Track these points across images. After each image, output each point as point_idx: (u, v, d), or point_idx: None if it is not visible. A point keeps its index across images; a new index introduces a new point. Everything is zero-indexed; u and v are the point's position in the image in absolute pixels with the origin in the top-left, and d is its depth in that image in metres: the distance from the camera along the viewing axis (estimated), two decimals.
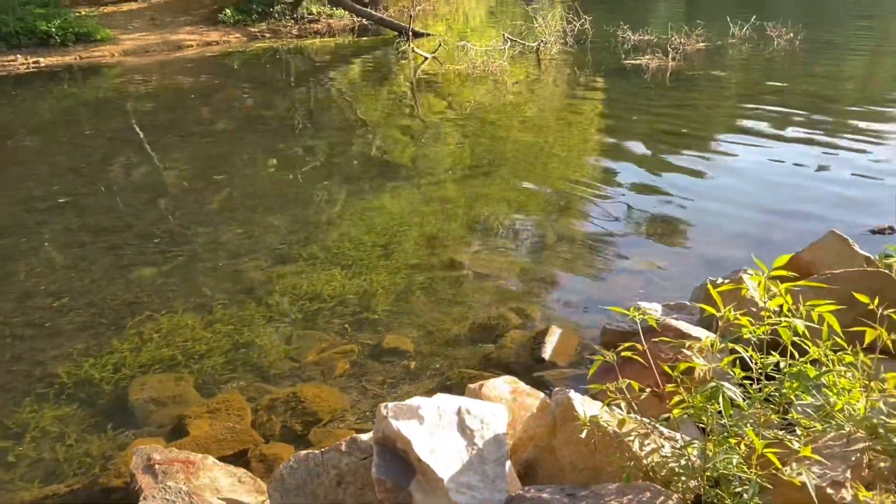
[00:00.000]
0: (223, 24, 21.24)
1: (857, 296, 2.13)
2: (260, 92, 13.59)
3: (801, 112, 8.86)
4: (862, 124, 8.07)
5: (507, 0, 39.10)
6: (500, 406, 2.20)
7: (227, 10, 21.44)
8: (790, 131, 8.03)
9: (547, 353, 3.66)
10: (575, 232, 5.50)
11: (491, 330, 4.05)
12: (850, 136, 7.66)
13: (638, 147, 7.89)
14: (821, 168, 6.62)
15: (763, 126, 8.36)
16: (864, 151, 7.03)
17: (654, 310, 3.27)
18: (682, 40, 13.80)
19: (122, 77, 15.12)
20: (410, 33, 15.64)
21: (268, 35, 21.51)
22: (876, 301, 2.03)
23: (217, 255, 5.46)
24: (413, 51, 14.74)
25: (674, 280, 4.50)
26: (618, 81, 11.89)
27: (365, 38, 21.07)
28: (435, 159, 7.91)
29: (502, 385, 2.52)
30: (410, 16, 15.72)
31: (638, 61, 12.75)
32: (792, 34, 14.05)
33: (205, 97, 12.72)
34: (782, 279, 2.45)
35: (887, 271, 2.69)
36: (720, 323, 2.02)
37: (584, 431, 2.02)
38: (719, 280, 3.30)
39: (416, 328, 4.14)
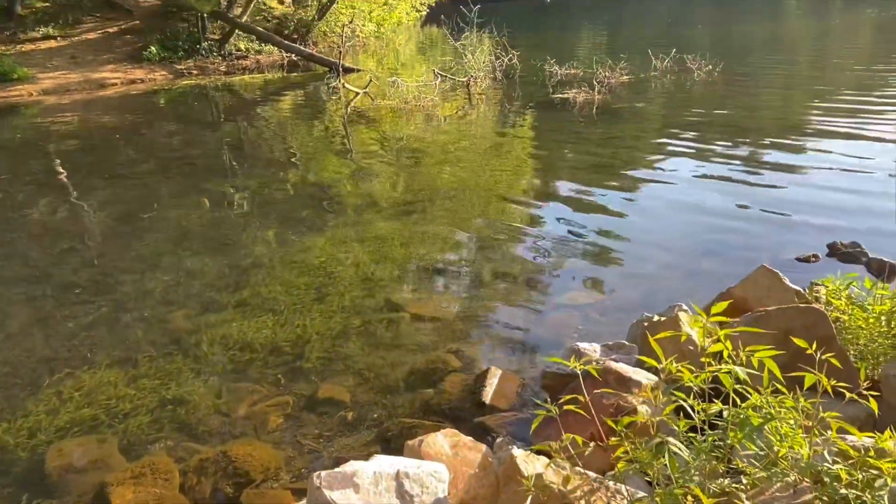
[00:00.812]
0: (148, 62, 20.80)
1: (796, 340, 2.14)
2: (187, 130, 13.30)
3: (723, 143, 9.14)
4: (781, 154, 8.36)
5: (435, 35, 39.67)
6: (441, 466, 2.10)
7: (152, 48, 21.02)
8: (713, 162, 8.26)
9: (487, 396, 3.58)
10: (511, 268, 5.48)
11: (430, 374, 3.96)
12: (770, 165, 7.92)
13: (569, 181, 7.98)
14: (744, 198, 6.78)
15: (687, 158, 8.58)
16: (784, 181, 7.26)
17: (593, 350, 3.24)
18: (607, 74, 14.17)
19: (42, 117, 14.58)
20: (340, 69, 15.59)
21: (195, 72, 21.16)
22: (814, 345, 2.03)
23: (143, 304, 5.22)
24: (343, 86, 14.68)
25: (610, 314, 4.51)
26: (547, 115, 12.09)
27: (295, 74, 20.96)
28: (368, 196, 7.82)
29: (442, 440, 2.42)
30: (340, 52, 15.69)
31: (566, 95, 12.99)
32: (710, 66, 14.59)
33: (130, 137, 12.35)
34: (720, 322, 2.46)
35: (818, 306, 2.73)
36: (661, 375, 1.98)
37: (529, 498, 1.95)
38: (654, 317, 3.30)
39: (353, 375, 4.01)
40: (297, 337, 4.48)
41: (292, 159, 10.25)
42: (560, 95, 13.10)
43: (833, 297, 2.90)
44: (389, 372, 4.02)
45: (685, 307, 3.39)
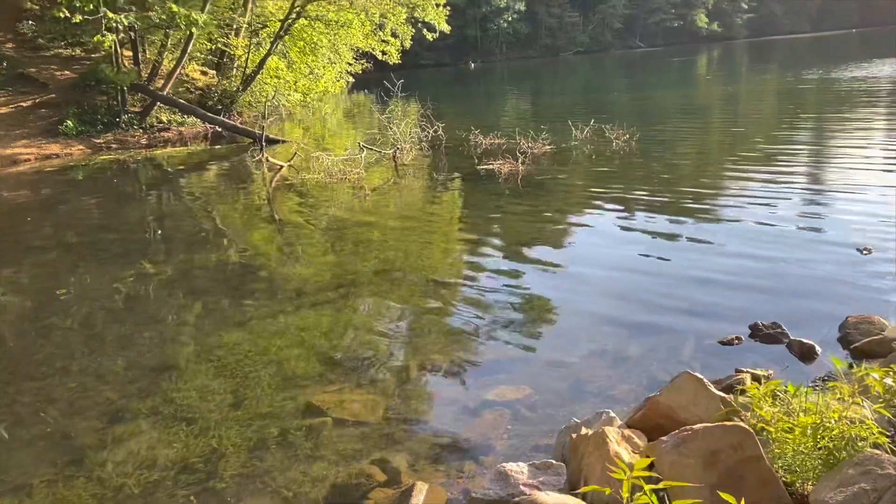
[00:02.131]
0: (64, 136, 20.23)
1: (723, 495, 2.06)
2: (104, 208, 12.87)
3: (643, 215, 9.34)
4: (699, 226, 8.57)
5: (363, 101, 40.12)
6: None
7: (69, 122, 20.48)
8: (635, 236, 8.40)
9: None
10: (438, 357, 5.34)
11: (353, 490, 3.74)
12: (690, 238, 8.08)
13: (496, 258, 7.97)
14: (667, 274, 6.88)
15: (609, 232, 8.71)
16: (704, 253, 7.41)
17: (520, 471, 3.10)
18: (530, 144, 14.48)
19: None
20: (264, 142, 15.43)
21: (114, 146, 20.69)
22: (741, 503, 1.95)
23: (44, 416, 4.84)
24: (268, 160, 14.52)
25: (539, 410, 4.40)
26: (473, 187, 12.20)
27: (219, 146, 20.72)
28: (292, 280, 7.62)
29: None
30: (262, 127, 15.54)
31: (491, 166, 13.16)
32: (627, 136, 15.07)
33: (41, 216, 11.84)
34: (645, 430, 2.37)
35: (743, 424, 2.68)
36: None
37: None
38: (582, 430, 3.20)
39: (270, 495, 3.76)
40: (210, 451, 4.20)
41: (213, 239, 9.97)
42: (485, 166, 13.26)
43: (758, 407, 2.87)
44: (310, 489, 3.78)
45: (612, 414, 3.31)
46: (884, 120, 16.28)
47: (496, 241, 8.81)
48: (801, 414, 2.72)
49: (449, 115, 25.85)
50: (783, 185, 10.26)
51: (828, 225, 7.99)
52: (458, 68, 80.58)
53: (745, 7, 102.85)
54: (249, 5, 25.03)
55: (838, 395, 2.80)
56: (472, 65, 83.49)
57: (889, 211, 8.25)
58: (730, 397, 3.19)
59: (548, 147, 14.78)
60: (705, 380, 3.23)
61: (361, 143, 14.29)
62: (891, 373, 2.99)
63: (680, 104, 25.72)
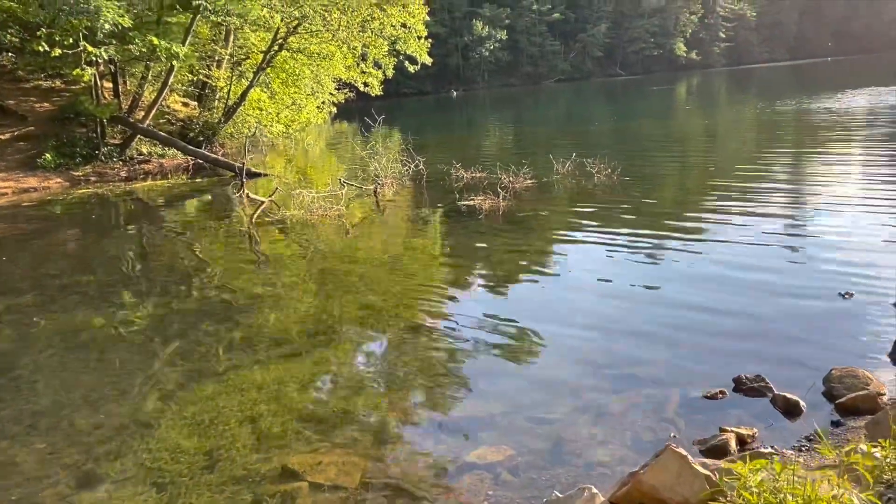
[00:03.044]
0: (43, 170, 20.03)
1: None
2: (80, 244, 12.69)
3: (626, 254, 9.32)
4: (683, 263, 8.55)
5: (346, 130, 40.20)
6: None
7: (47, 155, 20.29)
8: (618, 274, 8.36)
9: None
10: (418, 413, 5.23)
11: None
12: (673, 279, 8.06)
13: (477, 300, 7.88)
14: (649, 319, 6.82)
15: (591, 273, 8.66)
16: (687, 298, 7.37)
17: None
18: (511, 178, 14.49)
19: None
20: (244, 177, 15.29)
21: (93, 179, 20.52)
22: None
23: (9, 482, 4.66)
24: (248, 197, 14.40)
25: (521, 474, 4.29)
26: (454, 224, 12.16)
27: (200, 179, 20.60)
28: (270, 325, 7.48)
29: None
30: (243, 164, 15.40)
31: (472, 202, 13.13)
32: (609, 170, 15.12)
33: (14, 254, 11.63)
34: None
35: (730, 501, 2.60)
36: None
37: None
38: None
39: None
40: None
41: (191, 281, 9.81)
42: (466, 202, 13.23)
43: (743, 488, 2.79)
44: None
45: (594, 490, 3.22)
46: (860, 155, 16.46)
47: (476, 283, 8.74)
48: (789, 497, 2.64)
49: (431, 147, 25.94)
50: (763, 222, 10.29)
51: (809, 266, 7.98)
52: (441, 96, 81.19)
53: (723, 36, 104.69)
54: (231, 38, 25.05)
55: (827, 475, 2.73)
56: (455, 93, 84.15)
57: (868, 250, 8.28)
58: (715, 472, 3.10)
59: (529, 181, 14.80)
60: (689, 457, 3.15)
61: (342, 180, 14.22)
62: (878, 447, 2.92)
63: (660, 135, 25.95)
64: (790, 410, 4.71)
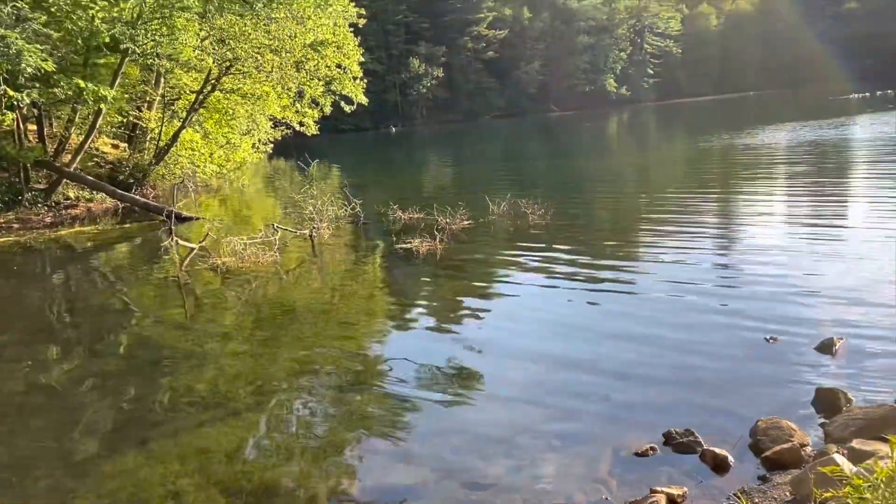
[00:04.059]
0: None
1: None
2: None
3: (556, 294, 9.40)
4: (614, 307, 8.66)
5: (282, 170, 39.86)
6: None
7: None
8: (551, 318, 8.43)
9: None
10: (347, 485, 5.08)
11: None
12: (604, 320, 8.16)
13: (411, 352, 7.77)
14: (581, 363, 6.89)
15: (524, 316, 8.72)
16: (619, 339, 7.45)
17: None
18: (448, 220, 14.53)
19: None
20: (173, 223, 14.84)
21: (16, 226, 19.69)
22: None
23: None
24: (178, 243, 14.03)
25: None
26: (392, 268, 12.10)
27: (129, 224, 19.98)
28: (198, 384, 7.22)
29: None
30: (171, 209, 14.98)
31: (409, 244, 13.07)
32: (543, 210, 15.30)
33: None
34: None
35: None
36: None
37: None
38: None
39: None
40: None
41: (114, 338, 9.43)
42: (404, 245, 13.16)
43: None
44: None
45: None
46: (783, 193, 17.14)
47: (414, 330, 8.68)
48: None
49: (369, 186, 25.92)
50: (693, 262, 10.54)
51: (737, 308, 8.16)
52: (380, 132, 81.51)
53: (651, 72, 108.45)
54: (163, 79, 24.65)
55: None
56: (394, 129, 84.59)
57: (793, 291, 8.54)
58: None
59: (466, 222, 14.87)
60: None
61: (275, 225, 14.01)
62: None
63: (592, 172, 26.51)
64: (719, 465, 4.75)
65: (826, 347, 6.58)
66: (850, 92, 62.88)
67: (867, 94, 59.44)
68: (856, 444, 4.30)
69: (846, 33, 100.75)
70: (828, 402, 5.42)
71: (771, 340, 6.96)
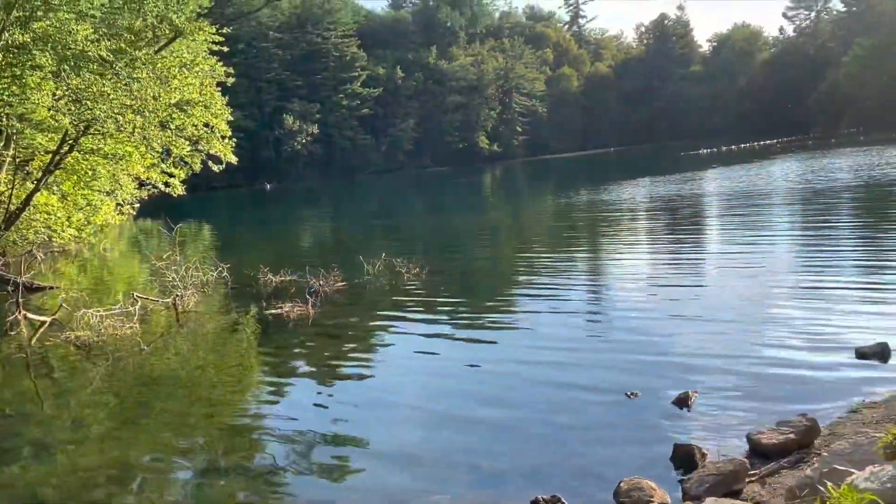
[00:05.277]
0: None
1: None
2: None
3: (429, 357, 9.43)
4: (484, 367, 8.76)
5: (148, 230, 38.14)
6: None
7: None
8: (423, 383, 8.44)
9: None
10: None
11: None
12: (474, 382, 8.24)
13: (286, 423, 7.50)
14: (453, 426, 6.92)
15: (396, 382, 8.68)
16: (489, 401, 7.51)
17: None
18: (321, 282, 14.30)
19: None
20: (19, 298, 13.65)
21: None
22: None
23: None
24: (26, 317, 12.99)
25: None
26: (262, 336, 11.76)
27: None
28: (49, 480, 6.61)
29: None
30: (19, 280, 13.84)
31: (279, 310, 12.70)
32: (418, 268, 15.38)
33: None
34: None
35: None
36: None
37: None
38: None
39: None
40: None
41: None
42: (274, 311, 12.78)
43: None
44: None
45: None
46: (645, 246, 18.13)
47: (285, 401, 8.40)
48: None
49: (240, 246, 25.26)
50: (559, 316, 10.93)
51: (598, 363, 8.48)
52: (254, 190, 79.89)
53: (520, 130, 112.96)
54: (13, 139, 23.13)
55: None
56: (269, 186, 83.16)
57: (653, 344, 8.96)
58: None
59: (340, 283, 14.69)
60: None
61: (135, 294, 13.27)
62: None
63: (466, 228, 27.07)
64: None
65: (682, 401, 6.90)
66: (700, 147, 67.94)
67: (714, 149, 64.40)
68: (708, 502, 4.48)
69: (694, 93, 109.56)
70: (685, 457, 5.64)
71: (632, 396, 7.22)
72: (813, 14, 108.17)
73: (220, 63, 25.32)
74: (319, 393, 8.55)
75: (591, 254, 17.71)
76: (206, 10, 27.94)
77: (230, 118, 25.81)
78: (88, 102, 18.58)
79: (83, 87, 18.59)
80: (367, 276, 15.65)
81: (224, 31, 26.34)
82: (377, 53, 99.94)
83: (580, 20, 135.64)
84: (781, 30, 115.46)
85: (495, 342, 9.85)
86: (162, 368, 10.32)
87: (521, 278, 14.92)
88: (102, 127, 21.18)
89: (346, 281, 14.94)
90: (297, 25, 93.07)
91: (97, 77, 19.26)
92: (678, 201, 27.04)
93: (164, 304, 13.77)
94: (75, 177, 25.65)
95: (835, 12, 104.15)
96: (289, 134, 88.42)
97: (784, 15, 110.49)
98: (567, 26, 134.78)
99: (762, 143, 67.89)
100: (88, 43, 18.23)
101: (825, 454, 5.11)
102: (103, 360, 10.81)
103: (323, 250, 23.80)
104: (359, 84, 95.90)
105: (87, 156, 24.62)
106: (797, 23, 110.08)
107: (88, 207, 27.59)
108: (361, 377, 8.98)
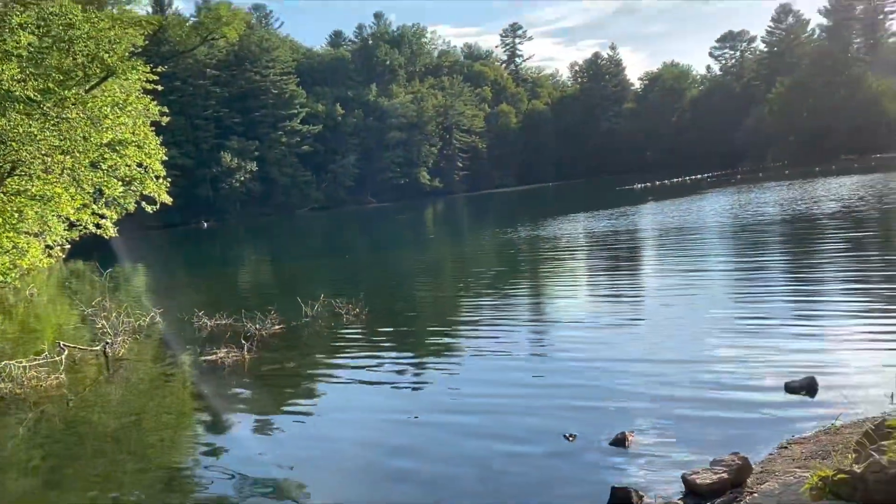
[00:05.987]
0: None
1: None
2: None
3: (367, 402, 9.30)
4: (426, 414, 8.69)
5: (80, 273, 36.84)
6: None
7: None
8: (357, 430, 8.32)
9: None
10: None
11: None
12: (414, 429, 8.16)
13: (221, 476, 7.25)
14: (393, 477, 6.82)
15: (331, 433, 8.52)
16: (426, 450, 7.45)
17: None
18: (258, 326, 14.00)
19: None
20: None
21: None
22: None
23: None
24: None
25: None
26: (195, 384, 11.40)
27: None
28: None
29: None
30: None
31: (214, 356, 12.34)
32: (358, 309, 15.22)
33: None
34: None
35: None
36: None
37: None
38: None
39: None
40: None
41: None
42: (208, 357, 12.42)
43: None
44: None
45: None
46: (583, 281, 18.39)
47: (221, 453, 8.13)
48: None
49: (174, 289, 24.62)
50: (500, 355, 11.01)
51: (538, 405, 8.50)
52: (190, 228, 78.28)
53: (461, 165, 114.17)
54: None
55: None
56: (206, 224, 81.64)
57: (589, 384, 9.03)
58: None
59: (277, 327, 14.41)
60: None
61: (62, 343, 12.75)
62: None
63: (407, 265, 27.03)
64: None
65: (619, 442, 6.96)
66: (634, 182, 69.67)
67: (648, 184, 66.12)
68: None
69: (627, 129, 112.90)
70: (622, 501, 5.66)
71: (570, 438, 7.24)
72: (738, 53, 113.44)
73: (155, 102, 24.92)
74: (254, 443, 8.33)
75: (530, 292, 17.86)
76: (139, 49, 27.59)
77: (165, 157, 25.33)
78: (14, 144, 18.01)
79: (8, 128, 18.01)
80: (306, 318, 15.40)
81: (159, 69, 26.01)
82: (317, 91, 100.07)
83: (517, 59, 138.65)
84: (709, 68, 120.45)
85: (434, 387, 9.79)
86: (90, 421, 9.90)
87: (460, 318, 14.91)
88: (29, 168, 20.53)
89: (283, 324, 14.66)
90: (235, 63, 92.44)
91: (24, 117, 18.71)
92: (613, 237, 27.59)
93: (93, 353, 13.26)
94: (0, 219, 24.69)
95: (758, 52, 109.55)
96: (227, 171, 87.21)
97: (710, 54, 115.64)
98: (504, 65, 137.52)
99: (693, 177, 70.06)
100: (14, 83, 17.71)
101: (756, 495, 5.20)
102: (25, 415, 10.32)
103: (260, 291, 23.39)
104: (298, 121, 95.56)
105: (12, 197, 23.75)
106: (723, 62, 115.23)
107: (14, 251, 26.53)
108: (296, 426, 8.78)
